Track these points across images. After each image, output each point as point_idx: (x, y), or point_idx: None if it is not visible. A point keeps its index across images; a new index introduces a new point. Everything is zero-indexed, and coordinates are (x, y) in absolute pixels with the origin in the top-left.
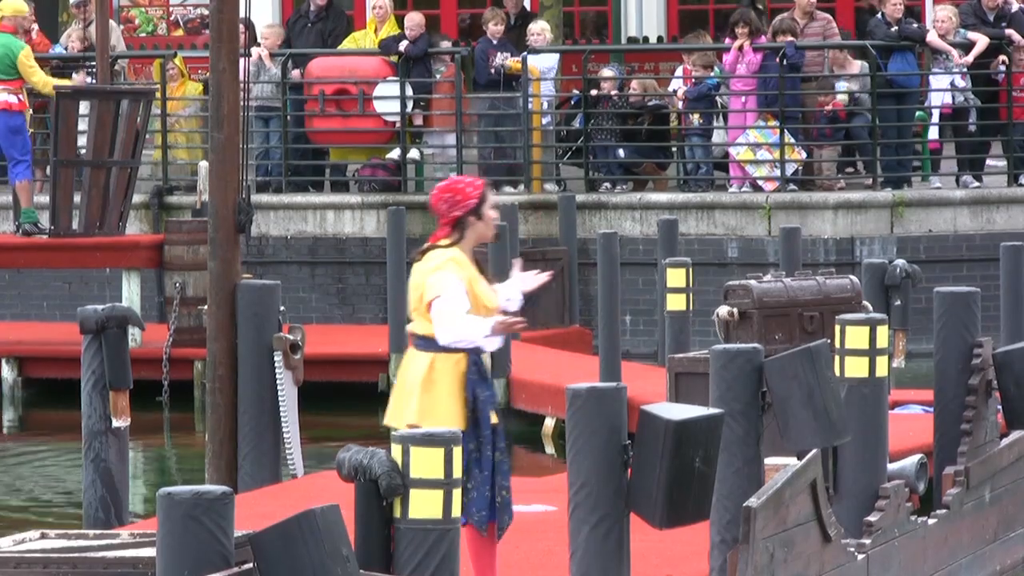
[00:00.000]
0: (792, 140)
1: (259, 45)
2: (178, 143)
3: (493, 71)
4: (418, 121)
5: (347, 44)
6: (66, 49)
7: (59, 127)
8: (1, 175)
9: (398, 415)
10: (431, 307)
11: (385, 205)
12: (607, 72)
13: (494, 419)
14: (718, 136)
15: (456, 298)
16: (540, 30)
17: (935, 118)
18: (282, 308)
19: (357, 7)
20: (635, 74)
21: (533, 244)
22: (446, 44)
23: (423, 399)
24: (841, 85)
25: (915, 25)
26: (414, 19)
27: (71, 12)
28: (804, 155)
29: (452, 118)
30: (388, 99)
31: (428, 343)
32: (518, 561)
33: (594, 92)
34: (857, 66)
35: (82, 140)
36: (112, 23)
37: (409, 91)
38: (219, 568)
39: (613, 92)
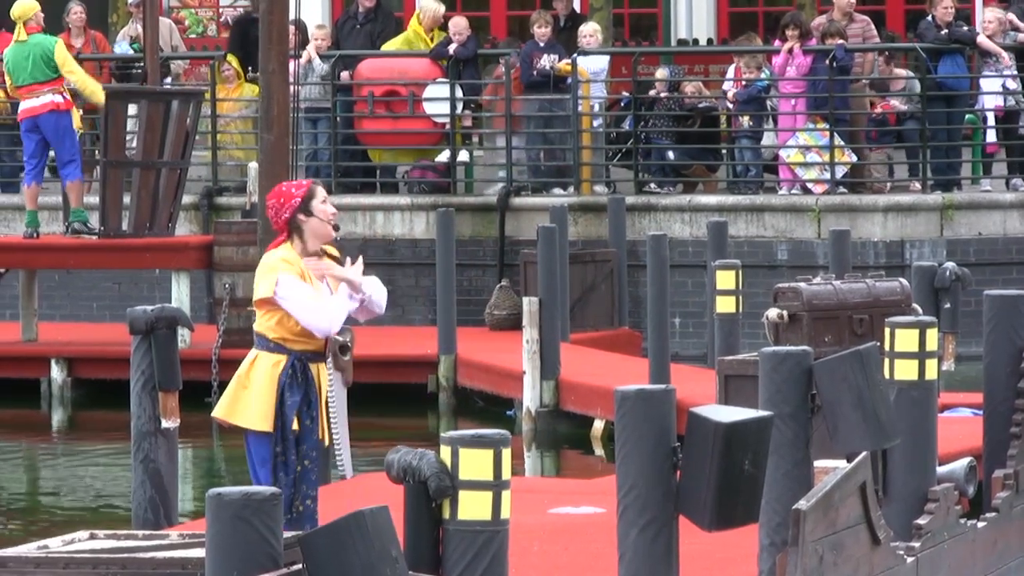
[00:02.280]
0: (841, 143)
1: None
2: (233, 144)
3: (535, 73)
4: (467, 123)
5: (401, 46)
6: (133, 49)
7: (108, 128)
8: (48, 176)
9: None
10: (260, 305)
11: (435, 207)
12: (661, 73)
13: (295, 425)
14: (768, 138)
15: (297, 287)
16: (592, 32)
17: (989, 121)
18: None
19: (407, 9)
20: (685, 76)
21: (582, 246)
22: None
23: (234, 395)
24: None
25: (965, 28)
26: (459, 23)
27: (129, 11)
28: (854, 158)
29: (502, 120)
30: (438, 100)
31: (259, 340)
32: (567, 563)
33: (652, 92)
34: (903, 77)
35: (131, 141)
36: (170, 22)
37: (459, 93)
38: (268, 569)
39: (663, 93)
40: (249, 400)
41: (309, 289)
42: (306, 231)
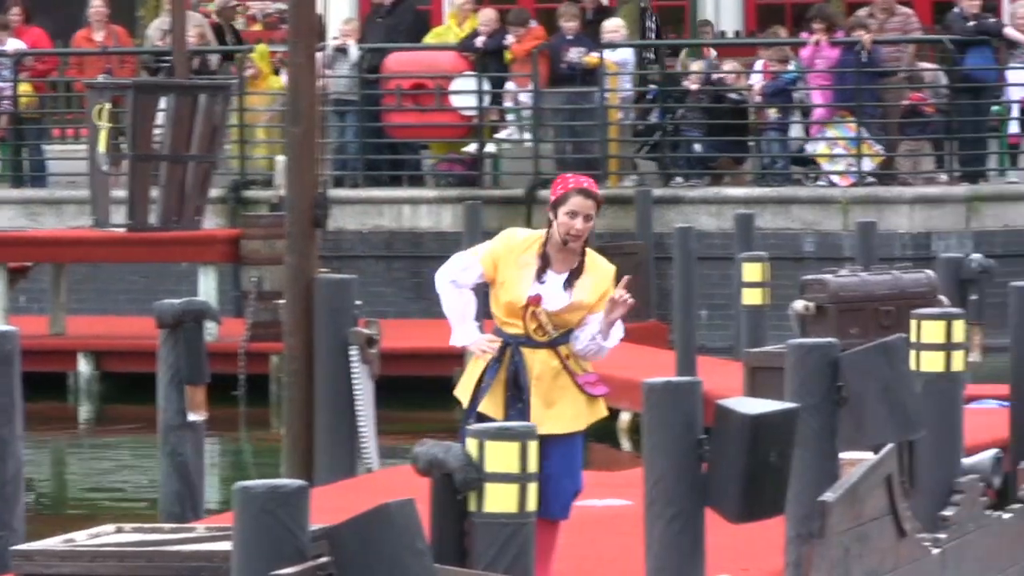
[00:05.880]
0: (868, 137)
1: (335, 39)
2: (259, 138)
3: (564, 66)
4: (495, 116)
5: (430, 39)
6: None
7: (136, 121)
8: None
9: None
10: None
11: (461, 199)
12: (697, 65)
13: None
14: (795, 131)
15: (463, 257)
16: (615, 27)
17: (1015, 112)
18: (358, 302)
19: (434, 2)
20: (720, 69)
21: (609, 239)
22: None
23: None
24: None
25: (992, 19)
26: (488, 15)
27: (162, 4)
28: (881, 149)
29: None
30: (465, 93)
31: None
32: (594, 555)
33: (686, 83)
34: (930, 69)
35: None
36: (200, 17)
37: (486, 86)
38: (295, 561)
39: (694, 86)
40: (467, 372)
41: (467, 265)
42: (553, 226)
